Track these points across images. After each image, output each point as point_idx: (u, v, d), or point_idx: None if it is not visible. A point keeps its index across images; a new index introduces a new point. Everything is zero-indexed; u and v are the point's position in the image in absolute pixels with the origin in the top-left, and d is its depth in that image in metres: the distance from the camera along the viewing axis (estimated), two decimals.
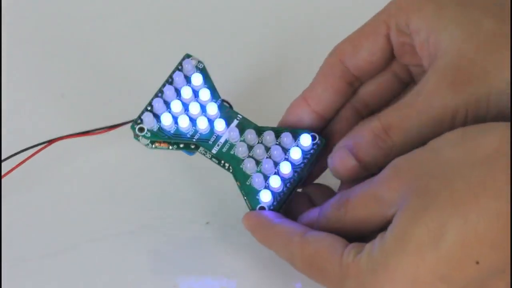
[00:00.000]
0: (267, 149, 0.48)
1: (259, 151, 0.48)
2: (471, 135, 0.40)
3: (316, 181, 0.51)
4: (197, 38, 0.60)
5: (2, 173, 0.51)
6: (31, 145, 0.51)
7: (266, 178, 0.48)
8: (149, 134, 0.49)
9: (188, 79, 0.50)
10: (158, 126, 0.49)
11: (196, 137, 0.49)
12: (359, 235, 0.43)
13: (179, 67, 0.50)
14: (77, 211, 0.53)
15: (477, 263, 0.38)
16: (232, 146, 0.49)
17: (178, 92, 0.49)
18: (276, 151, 0.48)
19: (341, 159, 0.46)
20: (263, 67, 0.59)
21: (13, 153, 0.51)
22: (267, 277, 0.50)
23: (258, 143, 0.48)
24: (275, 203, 0.47)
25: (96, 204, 0.53)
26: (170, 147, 0.49)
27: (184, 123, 0.49)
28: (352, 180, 0.47)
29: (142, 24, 0.62)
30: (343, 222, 0.44)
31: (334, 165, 0.47)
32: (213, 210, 0.51)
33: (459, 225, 0.38)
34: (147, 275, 0.50)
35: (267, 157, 0.48)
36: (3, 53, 0.59)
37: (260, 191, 0.47)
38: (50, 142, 0.51)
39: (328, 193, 0.50)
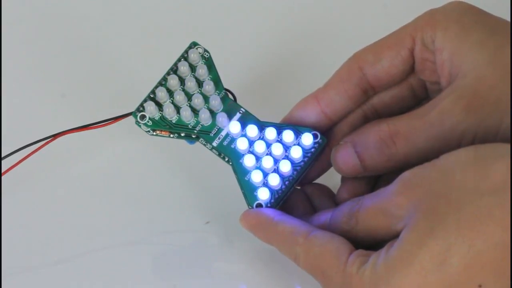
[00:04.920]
0: (268, 145, 0.48)
1: (259, 147, 0.48)
2: (482, 159, 0.40)
3: (315, 181, 0.51)
4: (203, 31, 0.60)
5: (3, 170, 0.51)
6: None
7: (265, 175, 0.48)
8: (150, 123, 0.49)
9: (193, 69, 0.50)
10: (160, 115, 0.49)
11: (197, 128, 0.49)
12: (369, 244, 0.44)
13: (184, 55, 0.50)
14: (76, 210, 0.53)
15: (480, 286, 0.39)
16: (233, 140, 0.48)
17: (182, 82, 0.49)
18: (277, 149, 0.48)
19: (344, 155, 0.47)
20: (269, 61, 0.59)
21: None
22: (267, 276, 0.50)
23: (259, 138, 0.48)
24: (272, 201, 0.47)
25: (95, 204, 0.53)
26: (171, 135, 0.49)
27: (186, 114, 0.48)
28: (351, 177, 0.47)
29: (144, 22, 0.62)
30: (354, 232, 0.44)
31: (337, 160, 0.47)
32: (213, 210, 0.51)
33: (464, 251, 0.39)
34: (146, 274, 0.50)
35: (267, 154, 0.48)
36: (3, 53, 0.59)
37: (258, 188, 0.47)
38: (54, 137, 0.50)
39: (327, 193, 0.50)
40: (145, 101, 0.49)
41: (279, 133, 0.48)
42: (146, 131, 0.49)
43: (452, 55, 0.44)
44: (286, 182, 0.48)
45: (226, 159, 0.48)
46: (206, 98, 0.49)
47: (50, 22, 0.61)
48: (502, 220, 0.38)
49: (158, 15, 0.62)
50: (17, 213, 0.53)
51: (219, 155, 0.49)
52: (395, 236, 0.41)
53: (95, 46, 0.60)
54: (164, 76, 0.49)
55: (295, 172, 0.48)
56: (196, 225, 0.52)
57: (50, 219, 0.53)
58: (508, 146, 0.40)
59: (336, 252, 0.43)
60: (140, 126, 0.49)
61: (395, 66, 0.47)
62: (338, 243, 0.43)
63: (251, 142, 0.48)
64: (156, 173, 0.55)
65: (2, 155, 0.54)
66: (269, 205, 0.47)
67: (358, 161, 0.46)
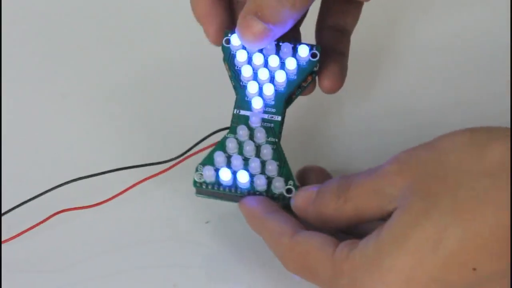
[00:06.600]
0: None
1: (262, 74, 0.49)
2: (478, 141, 0.40)
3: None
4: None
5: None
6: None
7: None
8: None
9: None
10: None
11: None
12: (356, 223, 0.43)
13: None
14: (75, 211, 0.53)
15: (474, 269, 0.38)
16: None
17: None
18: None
19: (248, 25, 0.46)
20: None
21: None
22: (266, 276, 0.50)
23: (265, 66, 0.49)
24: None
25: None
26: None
27: (249, 148, 0.48)
28: (261, 46, 0.47)
29: (144, 21, 0.62)
30: (341, 211, 0.43)
31: (242, 33, 0.46)
32: (213, 209, 0.51)
33: (459, 233, 0.38)
34: (146, 274, 0.50)
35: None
36: (3, 53, 0.59)
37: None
38: (52, 215, 0.50)
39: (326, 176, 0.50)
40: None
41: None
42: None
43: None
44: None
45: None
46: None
47: (50, 22, 0.61)
48: (498, 202, 0.38)
49: (158, 14, 0.62)
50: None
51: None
52: (384, 217, 0.41)
53: (95, 46, 0.60)
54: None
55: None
56: (196, 225, 0.52)
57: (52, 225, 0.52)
58: (503, 129, 0.40)
59: (321, 245, 0.42)
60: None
61: None
62: (322, 237, 0.43)
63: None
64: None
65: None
66: None
67: (263, 24, 0.46)
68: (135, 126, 0.56)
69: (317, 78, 0.50)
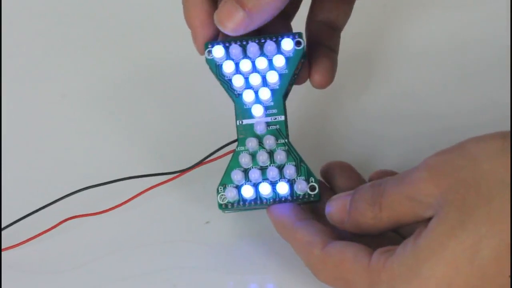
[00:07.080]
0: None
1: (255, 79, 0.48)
2: (510, 149, 0.40)
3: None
4: None
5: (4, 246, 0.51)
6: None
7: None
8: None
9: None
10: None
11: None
12: (393, 229, 0.44)
13: None
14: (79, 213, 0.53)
15: (510, 276, 0.39)
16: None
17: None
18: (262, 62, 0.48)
19: (228, 12, 0.45)
20: None
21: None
22: (267, 275, 0.50)
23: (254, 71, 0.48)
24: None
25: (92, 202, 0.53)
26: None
27: (263, 158, 0.48)
28: (239, 33, 0.46)
29: (144, 19, 0.62)
30: (378, 219, 0.43)
31: (221, 20, 0.46)
32: (213, 209, 0.51)
33: (494, 243, 0.39)
34: (146, 274, 0.50)
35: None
36: (3, 53, 0.60)
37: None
38: (62, 221, 0.50)
39: (349, 171, 0.50)
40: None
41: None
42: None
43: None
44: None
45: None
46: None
47: (50, 22, 0.62)
48: None
49: (163, 12, 0.62)
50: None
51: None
52: (422, 221, 0.41)
53: (95, 45, 0.60)
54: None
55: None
56: (196, 225, 0.52)
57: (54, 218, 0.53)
58: None
59: (355, 257, 0.43)
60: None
61: None
62: (355, 247, 0.43)
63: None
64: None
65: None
66: None
67: (244, 12, 0.45)
68: (136, 126, 0.56)
69: (309, 74, 0.49)
